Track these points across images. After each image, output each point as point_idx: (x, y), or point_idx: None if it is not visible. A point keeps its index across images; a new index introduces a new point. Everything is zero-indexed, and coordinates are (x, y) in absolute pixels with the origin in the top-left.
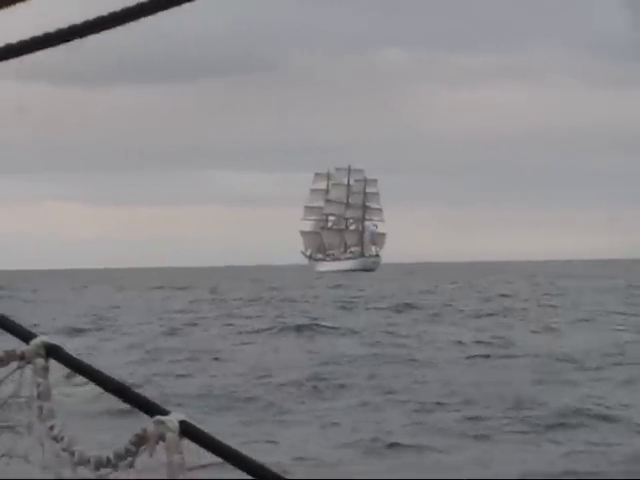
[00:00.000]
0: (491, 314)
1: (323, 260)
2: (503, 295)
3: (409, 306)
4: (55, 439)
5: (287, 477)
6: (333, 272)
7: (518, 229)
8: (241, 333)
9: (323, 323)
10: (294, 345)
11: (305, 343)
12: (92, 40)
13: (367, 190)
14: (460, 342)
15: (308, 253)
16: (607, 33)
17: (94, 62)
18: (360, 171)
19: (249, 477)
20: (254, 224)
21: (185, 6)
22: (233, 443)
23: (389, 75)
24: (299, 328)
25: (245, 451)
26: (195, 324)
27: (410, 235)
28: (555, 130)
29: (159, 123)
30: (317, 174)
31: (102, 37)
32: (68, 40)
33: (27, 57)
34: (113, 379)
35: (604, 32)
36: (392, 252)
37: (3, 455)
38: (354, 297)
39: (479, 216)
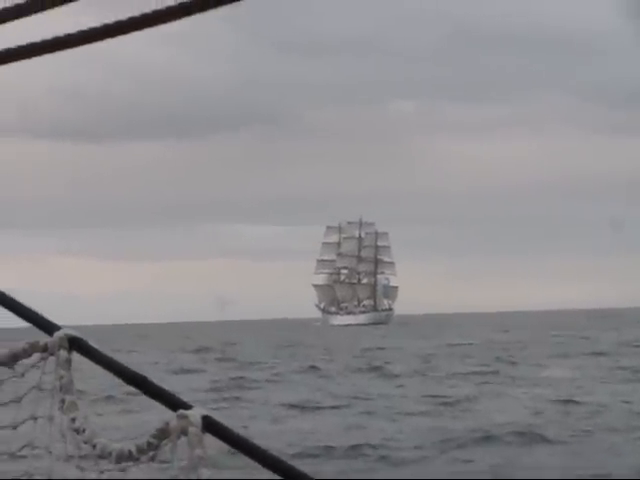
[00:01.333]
0: None
1: (337, 313)
2: None
3: None
4: (77, 431)
5: (315, 477)
6: (347, 326)
7: (527, 279)
8: None
9: None
10: None
11: None
12: (99, 97)
13: (379, 243)
14: None
15: (322, 306)
16: (609, 81)
17: (102, 118)
18: (371, 224)
19: (275, 476)
20: (266, 277)
21: (186, 59)
22: (258, 441)
23: (396, 126)
24: None
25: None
26: None
27: (421, 286)
28: (561, 179)
29: (168, 179)
30: (329, 227)
31: (112, 94)
32: (61, 49)
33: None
34: (136, 372)
35: (607, 81)
36: (404, 303)
37: (25, 446)
38: None
39: (490, 266)
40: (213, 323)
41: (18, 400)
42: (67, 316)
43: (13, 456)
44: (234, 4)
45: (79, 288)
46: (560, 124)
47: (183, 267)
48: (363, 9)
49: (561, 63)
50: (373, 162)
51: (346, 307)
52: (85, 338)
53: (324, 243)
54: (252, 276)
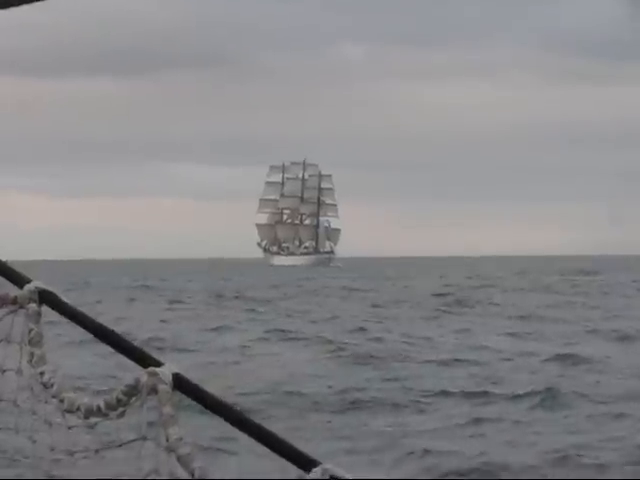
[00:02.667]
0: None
1: (278, 254)
2: None
3: None
4: (45, 385)
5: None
6: (289, 267)
7: (471, 224)
8: None
9: None
10: None
11: None
12: (56, 33)
13: (322, 185)
14: None
15: (263, 245)
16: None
17: (56, 53)
18: (315, 166)
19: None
20: (209, 217)
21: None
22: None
23: (344, 70)
24: None
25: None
26: None
27: (363, 230)
28: (511, 125)
29: (118, 115)
30: (272, 167)
31: (65, 30)
32: None
33: None
34: (107, 327)
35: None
36: (345, 247)
37: None
38: None
39: (431, 211)
40: (155, 260)
41: None
42: (10, 250)
43: None
44: None
45: (23, 223)
46: (513, 71)
47: (127, 205)
48: None
49: (514, 10)
50: (321, 106)
51: (287, 247)
52: (55, 291)
53: (267, 182)
54: (194, 215)
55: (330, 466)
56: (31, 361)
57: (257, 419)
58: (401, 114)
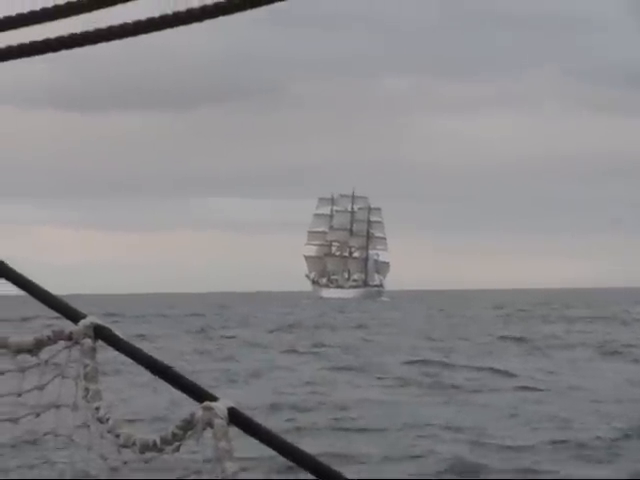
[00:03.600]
0: None
1: (327, 286)
2: None
3: None
4: (100, 420)
5: (345, 475)
6: (337, 299)
7: (519, 257)
8: None
9: None
10: None
11: None
12: (86, 65)
13: (371, 218)
14: None
15: (312, 277)
16: (607, 61)
17: (92, 88)
18: (364, 198)
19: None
20: (256, 250)
21: (181, 31)
22: (285, 435)
23: (388, 102)
24: None
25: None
26: None
27: (411, 262)
28: (554, 157)
29: (156, 150)
30: (321, 199)
31: (96, 63)
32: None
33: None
34: (162, 362)
35: (604, 60)
36: (394, 279)
37: (47, 433)
38: None
39: (479, 243)
40: (206, 294)
41: (41, 387)
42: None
43: (35, 443)
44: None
45: (51, 256)
46: (549, 102)
47: (173, 239)
48: None
49: (551, 41)
50: (364, 137)
51: (336, 280)
52: (110, 327)
53: (316, 214)
54: (239, 249)
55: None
56: (86, 396)
57: (310, 450)
58: (445, 146)
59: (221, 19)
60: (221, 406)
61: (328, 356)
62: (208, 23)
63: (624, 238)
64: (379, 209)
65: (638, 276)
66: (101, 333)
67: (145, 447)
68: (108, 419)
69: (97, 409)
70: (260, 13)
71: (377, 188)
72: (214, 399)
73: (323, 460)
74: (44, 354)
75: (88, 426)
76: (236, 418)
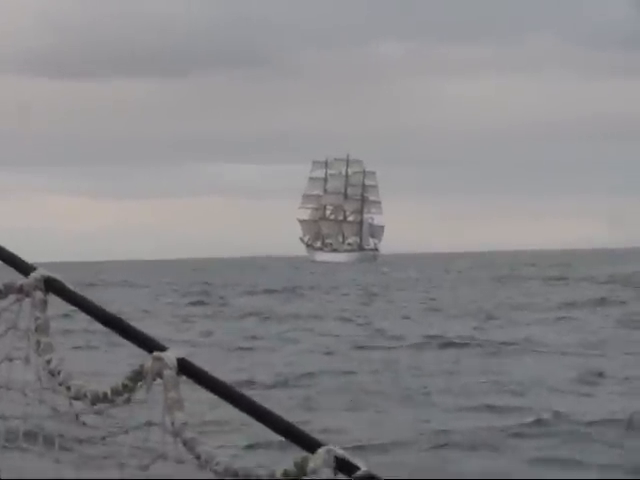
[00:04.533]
0: None
1: (321, 249)
2: None
3: None
4: (52, 373)
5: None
6: (332, 263)
7: (516, 219)
8: None
9: None
10: None
11: None
12: (91, 34)
13: (366, 182)
14: None
15: (306, 240)
16: (605, 24)
17: (92, 55)
18: (359, 162)
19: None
20: (251, 214)
21: None
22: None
23: (385, 67)
24: None
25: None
26: None
27: (406, 226)
28: (553, 121)
29: (155, 116)
30: (315, 162)
31: (100, 31)
32: None
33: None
34: (112, 314)
35: (602, 23)
36: (389, 243)
37: (0, 387)
38: None
39: (477, 207)
40: (196, 260)
41: None
42: (52, 252)
43: None
44: None
45: (64, 225)
46: (549, 65)
47: (168, 205)
48: None
49: (550, 4)
50: (362, 103)
51: (330, 244)
52: (61, 279)
53: (310, 178)
54: (235, 214)
55: (334, 447)
56: (38, 349)
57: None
58: (442, 110)
59: None
60: (171, 356)
61: None
62: None
63: (625, 200)
64: (374, 173)
65: None
66: (52, 285)
67: (96, 399)
68: (60, 372)
69: (48, 362)
70: None
71: (372, 154)
72: (164, 349)
73: (274, 411)
74: None
75: (40, 379)
76: (186, 368)
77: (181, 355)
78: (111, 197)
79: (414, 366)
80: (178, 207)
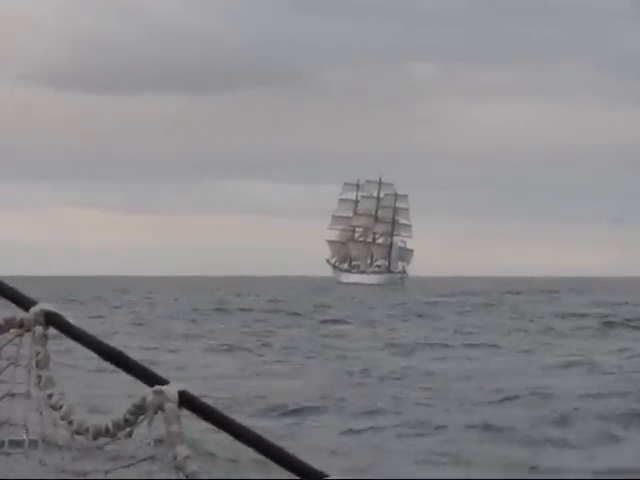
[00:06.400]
0: None
1: (348, 271)
2: None
3: None
4: (53, 407)
5: (290, 452)
6: (357, 284)
7: (545, 244)
8: None
9: None
10: None
11: None
12: (123, 49)
13: (397, 205)
14: None
15: (333, 262)
16: (633, 52)
17: (124, 71)
18: (390, 185)
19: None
20: (277, 234)
21: (210, 12)
22: (236, 416)
23: (417, 88)
24: None
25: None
26: None
27: (435, 249)
28: (581, 148)
29: (184, 132)
30: (346, 184)
31: (133, 46)
32: None
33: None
34: (112, 347)
35: (630, 51)
36: (416, 266)
37: (2, 423)
38: None
39: (506, 231)
40: (222, 278)
41: None
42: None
43: None
44: None
45: (91, 239)
46: (580, 92)
47: (197, 222)
48: None
49: (583, 31)
50: (391, 124)
51: (358, 266)
52: (61, 313)
53: (341, 199)
54: (266, 232)
55: (335, 477)
56: (39, 384)
57: (264, 434)
58: (473, 133)
59: (246, 3)
60: (172, 389)
61: None
62: (234, 7)
63: None
64: (406, 196)
65: None
66: (52, 320)
67: (98, 433)
68: (61, 406)
69: (50, 396)
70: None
71: (404, 175)
72: (165, 383)
73: (275, 442)
74: None
75: (41, 413)
76: (187, 401)
77: (182, 388)
78: (140, 212)
79: None
80: (205, 224)
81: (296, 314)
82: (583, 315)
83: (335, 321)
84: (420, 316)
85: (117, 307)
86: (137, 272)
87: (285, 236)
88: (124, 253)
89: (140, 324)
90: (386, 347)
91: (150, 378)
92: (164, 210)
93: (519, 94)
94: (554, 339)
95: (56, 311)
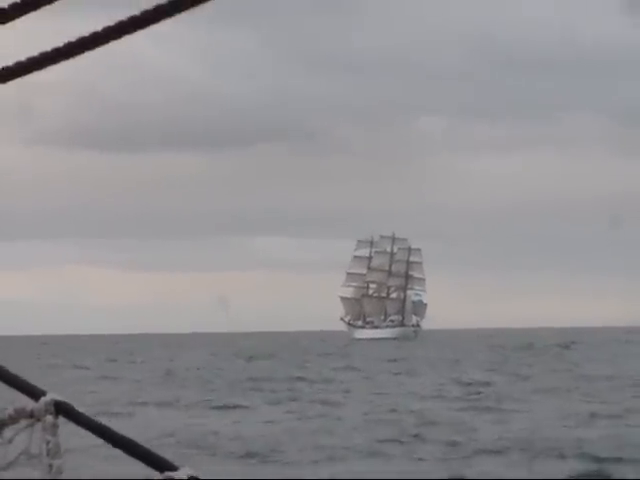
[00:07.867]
0: None
1: (362, 327)
2: None
3: None
4: None
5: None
6: (371, 340)
7: (558, 296)
8: None
9: None
10: None
11: None
12: (136, 108)
13: (411, 259)
14: None
15: (347, 319)
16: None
17: (136, 129)
18: (404, 240)
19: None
20: (294, 290)
21: (224, 72)
22: None
23: (427, 143)
24: None
25: None
26: None
27: (448, 302)
28: (589, 199)
29: (198, 190)
30: (360, 241)
31: (145, 106)
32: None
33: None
34: (122, 435)
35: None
36: (430, 319)
37: None
38: None
39: (519, 283)
40: (232, 334)
41: (6, 467)
42: (93, 326)
43: None
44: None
45: (104, 298)
46: (588, 145)
47: (210, 278)
48: (390, 27)
49: (590, 84)
50: (399, 179)
51: (372, 322)
52: (70, 402)
53: (355, 256)
54: (278, 288)
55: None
56: (50, 472)
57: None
58: (482, 187)
59: (258, 62)
60: (182, 475)
61: None
62: (244, 65)
63: None
64: (419, 249)
65: None
66: (62, 409)
67: None
68: None
69: None
70: (297, 58)
71: (413, 229)
72: (174, 469)
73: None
74: (7, 432)
75: None
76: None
77: (192, 473)
78: (157, 270)
79: None
80: (221, 281)
81: None
82: None
83: None
84: None
85: None
86: (159, 330)
87: (298, 291)
88: (147, 311)
89: None
90: None
91: (160, 464)
92: (168, 267)
93: (524, 148)
94: None
95: (66, 400)
